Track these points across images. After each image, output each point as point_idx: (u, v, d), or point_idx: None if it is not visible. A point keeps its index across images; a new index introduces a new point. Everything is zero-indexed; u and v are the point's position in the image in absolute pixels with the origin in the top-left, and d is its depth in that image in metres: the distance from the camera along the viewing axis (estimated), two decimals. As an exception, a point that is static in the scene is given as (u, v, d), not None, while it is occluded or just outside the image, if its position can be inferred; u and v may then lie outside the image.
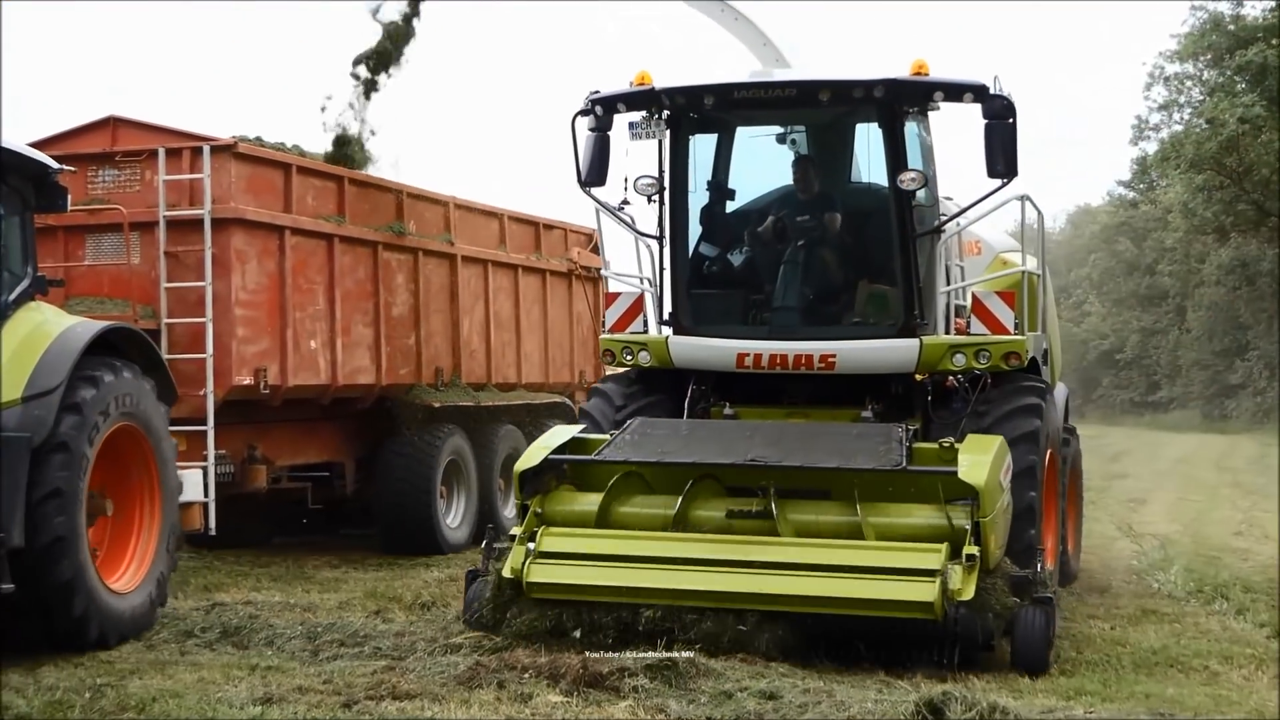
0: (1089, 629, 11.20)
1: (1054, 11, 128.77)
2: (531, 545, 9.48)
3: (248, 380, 12.82)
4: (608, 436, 10.43)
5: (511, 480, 10.33)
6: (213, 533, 12.33)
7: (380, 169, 15.24)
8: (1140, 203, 59.00)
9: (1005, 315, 11.07)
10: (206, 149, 12.60)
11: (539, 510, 9.83)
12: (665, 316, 11.49)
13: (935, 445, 9.89)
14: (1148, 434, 48.91)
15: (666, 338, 11.43)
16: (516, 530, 9.85)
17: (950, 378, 11.23)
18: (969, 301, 11.27)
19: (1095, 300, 69.69)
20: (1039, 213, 12.01)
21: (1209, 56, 45.44)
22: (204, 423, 12.36)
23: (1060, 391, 13.49)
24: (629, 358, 11.62)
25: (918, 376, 11.22)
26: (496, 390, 16.48)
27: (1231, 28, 43.80)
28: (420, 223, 15.39)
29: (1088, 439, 41.00)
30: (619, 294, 12.11)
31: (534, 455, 10.10)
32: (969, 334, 11.08)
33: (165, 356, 11.93)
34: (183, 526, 11.67)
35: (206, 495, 12.28)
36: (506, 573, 9.50)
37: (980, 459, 9.43)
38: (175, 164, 12.69)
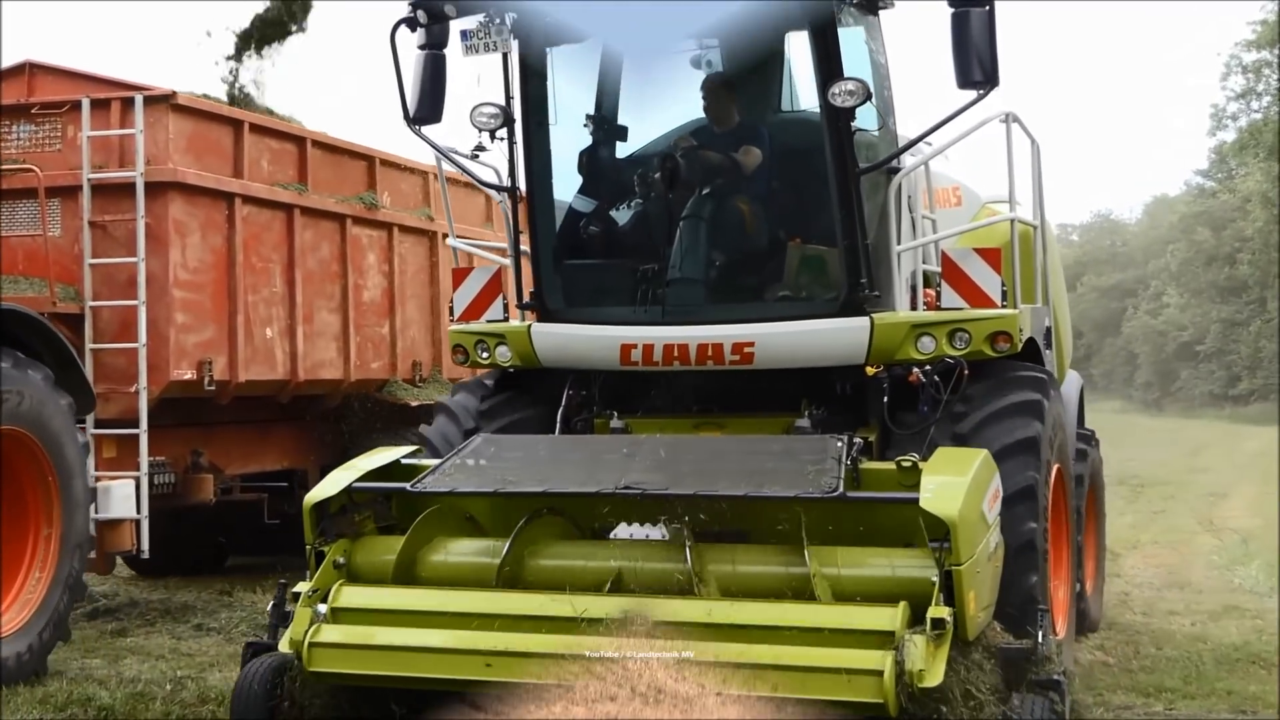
0: (1169, 625, 11.38)
1: (1129, 5, 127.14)
2: (322, 608, 6.97)
3: (189, 374, 11.28)
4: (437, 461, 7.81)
5: None
6: (145, 554, 10.84)
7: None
8: (1219, 192, 58.68)
9: (989, 281, 8.14)
10: (139, 99, 10.99)
11: (340, 559, 7.26)
12: (526, 298, 8.87)
13: (893, 465, 7.14)
14: (1228, 427, 49.82)
15: (529, 326, 8.77)
16: (303, 586, 7.16)
17: (915, 370, 8.16)
18: (939, 265, 8.42)
19: (1174, 291, 69.86)
20: (1032, 140, 8.88)
21: (1289, 43, 45.54)
22: (136, 425, 10.81)
23: (1071, 383, 10.78)
24: (484, 355, 8.96)
25: (870, 370, 8.30)
26: (481, 384, 14.94)
27: (1312, 12, 43.55)
28: (395, 194, 13.89)
29: (1167, 432, 40.27)
30: (470, 270, 9.36)
31: (331, 484, 7.41)
32: (940, 309, 8.24)
33: (90, 346, 10.75)
34: (110, 547, 10.46)
35: (139, 511, 10.74)
36: (285, 646, 6.93)
37: (953, 481, 6.66)
38: (102, 118, 11.10)
